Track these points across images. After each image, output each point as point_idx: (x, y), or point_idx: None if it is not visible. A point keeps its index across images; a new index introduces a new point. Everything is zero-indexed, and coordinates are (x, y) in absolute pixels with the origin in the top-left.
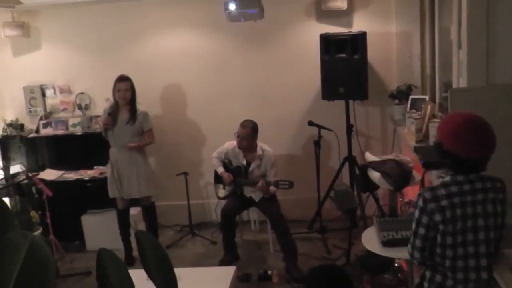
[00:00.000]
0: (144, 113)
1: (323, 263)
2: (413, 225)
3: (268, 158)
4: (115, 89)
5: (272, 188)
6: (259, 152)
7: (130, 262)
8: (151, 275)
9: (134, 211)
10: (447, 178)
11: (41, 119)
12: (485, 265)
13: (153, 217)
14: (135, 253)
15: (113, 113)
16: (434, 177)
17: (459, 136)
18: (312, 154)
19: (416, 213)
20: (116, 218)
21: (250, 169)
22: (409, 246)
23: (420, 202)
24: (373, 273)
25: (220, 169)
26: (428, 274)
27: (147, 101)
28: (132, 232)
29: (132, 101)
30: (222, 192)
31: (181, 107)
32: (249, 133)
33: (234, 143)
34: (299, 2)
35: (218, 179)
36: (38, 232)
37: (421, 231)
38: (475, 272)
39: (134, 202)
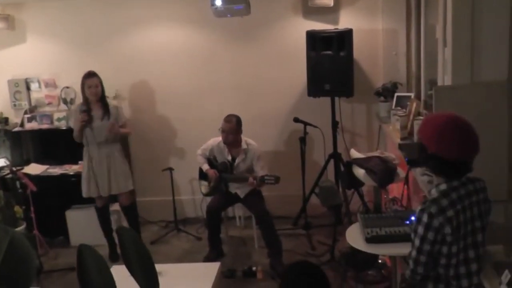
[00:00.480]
0: (116, 107)
1: (300, 260)
2: (416, 242)
3: (253, 152)
4: (84, 86)
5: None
6: (243, 146)
7: (114, 258)
8: (132, 270)
9: (118, 206)
10: (443, 186)
11: (25, 113)
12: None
13: (134, 219)
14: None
15: (87, 110)
16: (419, 174)
17: (443, 137)
18: (297, 151)
19: (420, 230)
20: None
21: (235, 163)
22: (411, 262)
23: (425, 218)
24: (357, 269)
25: (205, 166)
26: (430, 285)
27: (133, 96)
28: (115, 228)
29: (103, 97)
30: (205, 189)
31: (167, 102)
32: (234, 127)
33: (218, 139)
34: None
35: (202, 175)
36: (22, 227)
37: (426, 247)
38: (478, 276)
39: (113, 199)
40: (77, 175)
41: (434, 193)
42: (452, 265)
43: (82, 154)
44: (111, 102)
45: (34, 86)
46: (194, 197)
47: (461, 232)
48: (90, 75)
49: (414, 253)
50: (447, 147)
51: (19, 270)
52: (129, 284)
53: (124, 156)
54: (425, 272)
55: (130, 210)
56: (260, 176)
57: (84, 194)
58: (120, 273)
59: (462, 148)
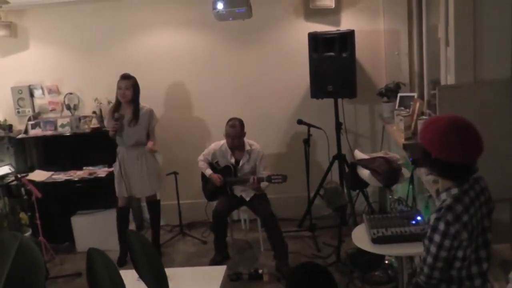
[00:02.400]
0: (148, 111)
1: (306, 261)
2: (433, 249)
3: (257, 152)
4: (117, 87)
5: (264, 184)
6: (247, 147)
7: (122, 263)
8: (141, 274)
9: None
10: (455, 191)
11: (29, 119)
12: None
13: (157, 214)
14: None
15: (119, 117)
16: (423, 174)
17: (446, 141)
18: (301, 153)
19: (437, 238)
20: (106, 218)
21: (240, 165)
22: (426, 268)
23: (441, 227)
24: (364, 270)
25: (208, 171)
26: (444, 285)
27: None
28: None
29: (134, 100)
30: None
31: (170, 106)
32: (239, 132)
33: (220, 143)
34: (287, 1)
35: (205, 181)
36: (27, 234)
37: (443, 253)
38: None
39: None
40: (82, 181)
41: (445, 197)
42: (465, 266)
43: (86, 160)
44: (145, 105)
45: (37, 92)
46: (198, 201)
47: (474, 234)
48: (124, 77)
49: (430, 260)
50: (451, 151)
51: (28, 275)
52: None
53: (155, 157)
54: (441, 276)
55: (156, 205)
56: (267, 176)
57: (117, 193)
58: (129, 277)
59: (466, 150)
